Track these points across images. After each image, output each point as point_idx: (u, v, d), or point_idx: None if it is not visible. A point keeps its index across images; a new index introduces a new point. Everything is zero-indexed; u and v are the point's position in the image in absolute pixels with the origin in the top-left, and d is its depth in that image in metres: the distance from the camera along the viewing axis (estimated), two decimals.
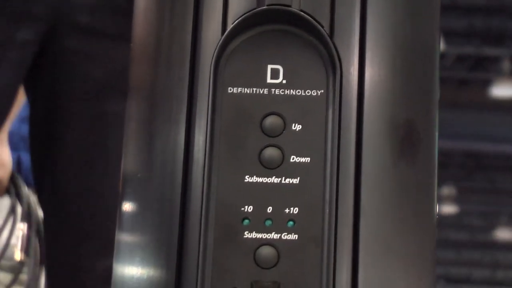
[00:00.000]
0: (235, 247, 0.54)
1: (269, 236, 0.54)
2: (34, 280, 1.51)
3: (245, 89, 0.56)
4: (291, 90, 0.56)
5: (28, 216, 1.51)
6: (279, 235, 0.54)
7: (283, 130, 0.55)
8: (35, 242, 1.50)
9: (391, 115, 0.57)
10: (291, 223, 0.54)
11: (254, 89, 0.56)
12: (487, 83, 9.70)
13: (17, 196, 1.52)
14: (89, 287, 1.12)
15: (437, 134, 0.60)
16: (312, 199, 0.54)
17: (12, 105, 1.15)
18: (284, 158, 0.55)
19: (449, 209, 11.96)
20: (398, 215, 0.56)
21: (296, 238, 0.54)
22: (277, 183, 0.55)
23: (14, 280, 1.53)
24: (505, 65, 9.48)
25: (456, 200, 11.94)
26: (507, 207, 12.23)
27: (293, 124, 0.55)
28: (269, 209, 0.55)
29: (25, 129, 1.62)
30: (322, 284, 0.53)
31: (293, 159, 0.55)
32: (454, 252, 13.25)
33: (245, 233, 0.54)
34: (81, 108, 1.14)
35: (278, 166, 0.55)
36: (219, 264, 0.54)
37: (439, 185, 0.59)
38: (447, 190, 11.62)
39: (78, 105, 1.14)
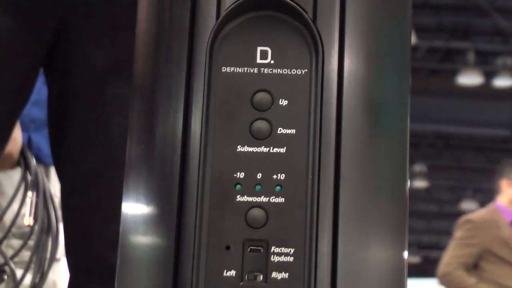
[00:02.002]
0: (229, 209, 0.54)
1: (259, 199, 0.54)
2: (41, 243, 1.50)
3: (237, 68, 0.56)
4: (278, 69, 0.55)
5: (36, 186, 1.50)
6: (267, 198, 0.54)
7: (271, 105, 0.55)
8: (42, 209, 1.50)
9: (368, 93, 0.56)
10: (278, 187, 0.54)
11: (245, 68, 0.56)
12: (454, 72, 9.71)
13: (27, 167, 1.52)
14: (99, 251, 1.11)
15: (409, 110, 0.59)
16: (297, 167, 0.54)
17: (31, 88, 1.15)
18: (272, 130, 0.55)
19: (420, 184, 11.99)
20: (374, 182, 0.56)
21: (283, 201, 0.54)
22: (266, 152, 0.55)
23: (24, 245, 1.52)
24: (470, 57, 9.50)
25: (426, 176, 11.96)
26: (472, 183, 12.27)
27: (280, 100, 0.55)
28: (259, 175, 0.54)
29: (34, 112, 1.61)
30: (306, 241, 0.53)
31: (280, 130, 0.55)
32: (425, 222, 13.30)
33: (237, 196, 0.54)
34: (91, 91, 1.13)
35: (267, 137, 0.55)
36: (214, 225, 0.54)
37: (411, 163, 0.59)
38: (419, 167, 11.64)
39: (89, 88, 1.13)
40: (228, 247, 0.53)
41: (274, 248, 0.53)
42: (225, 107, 0.55)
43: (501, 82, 9.48)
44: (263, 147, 0.55)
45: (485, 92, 9.62)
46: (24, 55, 1.09)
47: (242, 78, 0.55)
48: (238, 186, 0.54)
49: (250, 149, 0.55)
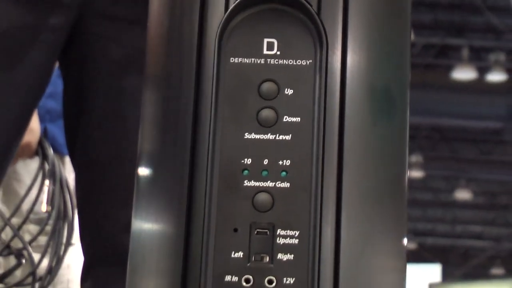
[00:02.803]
0: (237, 194, 0.54)
1: (265, 184, 0.54)
2: (57, 229, 1.50)
3: (245, 59, 0.55)
4: (284, 60, 0.55)
5: (53, 174, 1.51)
6: (274, 183, 0.54)
7: (277, 94, 0.55)
8: (59, 197, 1.50)
9: (370, 82, 0.56)
10: (284, 173, 0.54)
11: (253, 59, 0.55)
12: (449, 68, 9.69)
13: (44, 157, 1.52)
14: (112, 236, 1.11)
15: (408, 100, 0.59)
16: (302, 153, 0.54)
17: (48, 80, 1.14)
18: (278, 118, 0.54)
19: (416, 174, 11.98)
20: (376, 168, 0.55)
21: (289, 186, 0.54)
22: (272, 139, 0.54)
23: (41, 230, 1.52)
24: (465, 53, 9.49)
25: (422, 166, 11.94)
26: (466, 173, 12.24)
27: (286, 89, 0.55)
28: (265, 161, 0.54)
29: (50, 104, 1.61)
30: (310, 224, 0.53)
31: (286, 118, 0.54)
32: (421, 210, 13.28)
33: (245, 181, 0.54)
34: (105, 83, 1.13)
35: (273, 125, 0.54)
36: (222, 208, 0.53)
37: (408, 154, 0.58)
38: (415, 158, 11.63)
39: (103, 80, 1.13)
40: (236, 230, 0.53)
41: (280, 231, 0.53)
42: (233, 96, 0.55)
43: (494, 77, 9.48)
44: (269, 134, 0.54)
45: (478, 86, 9.61)
46: (41, 48, 1.09)
47: (250, 68, 0.55)
48: (246, 171, 0.54)
49: (257, 136, 0.54)
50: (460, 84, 9.62)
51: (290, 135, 0.54)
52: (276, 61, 0.55)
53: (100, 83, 1.13)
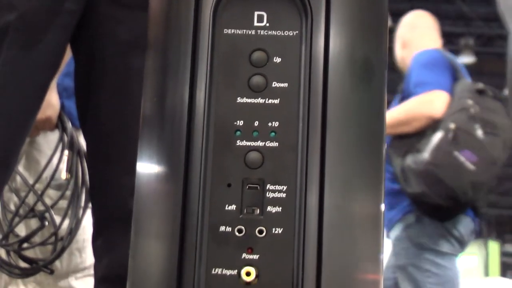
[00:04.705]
0: (230, 152, 0.53)
1: (256, 144, 0.53)
2: (76, 194, 1.50)
3: (237, 30, 0.54)
4: (273, 31, 0.54)
5: (71, 145, 1.50)
6: (263, 143, 0.53)
7: (267, 62, 0.54)
8: (77, 165, 1.50)
9: (351, 51, 0.55)
10: (273, 133, 0.53)
11: (244, 30, 0.54)
12: None
13: (64, 130, 1.51)
14: (119, 199, 1.10)
15: (386, 68, 0.58)
16: (289, 115, 0.53)
17: (61, 59, 1.13)
18: (267, 83, 0.54)
19: None
20: (356, 128, 0.54)
21: (277, 145, 0.53)
22: (262, 103, 0.53)
23: (62, 195, 1.52)
24: None
25: None
26: None
27: (275, 57, 0.54)
28: (256, 123, 0.53)
29: (67, 82, 1.60)
30: (297, 180, 0.52)
31: (274, 84, 0.53)
32: None
33: (237, 141, 0.53)
34: (113, 62, 1.11)
35: (263, 90, 0.53)
36: (217, 166, 0.53)
37: None
38: None
39: (111, 60, 1.11)
40: (229, 185, 0.52)
41: (269, 186, 0.52)
42: (226, 64, 0.54)
43: (464, 59, 9.48)
44: (259, 98, 0.53)
45: None
46: (57, 29, 1.07)
47: (241, 39, 0.54)
48: (238, 132, 0.53)
49: (248, 100, 0.53)
50: None
51: (279, 99, 0.53)
52: (266, 32, 0.54)
53: (108, 62, 1.12)
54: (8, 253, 1.52)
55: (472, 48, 9.42)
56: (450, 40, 9.61)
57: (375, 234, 0.54)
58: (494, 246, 9.34)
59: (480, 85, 2.33)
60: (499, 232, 13.93)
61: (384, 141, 0.56)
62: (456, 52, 9.42)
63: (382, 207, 0.54)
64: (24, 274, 1.52)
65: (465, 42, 9.45)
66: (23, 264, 1.51)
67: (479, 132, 2.21)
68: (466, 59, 9.41)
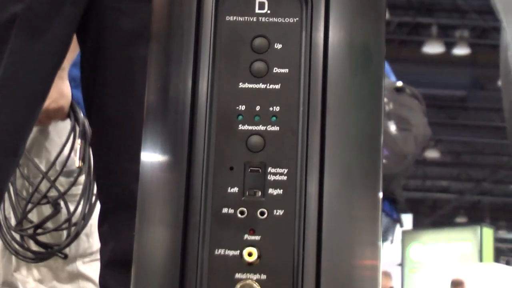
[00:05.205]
0: (232, 136, 0.53)
1: (257, 128, 0.53)
2: (89, 181, 1.50)
3: (239, 17, 0.54)
4: (274, 18, 0.54)
5: (83, 134, 1.50)
6: (265, 127, 0.53)
7: (268, 48, 0.54)
8: (89, 153, 1.50)
9: (351, 38, 0.55)
10: (274, 118, 0.53)
11: (246, 17, 0.54)
12: (420, 43, 9.66)
13: (76, 119, 1.51)
14: (124, 183, 1.10)
15: (384, 56, 0.58)
16: (290, 100, 0.53)
17: (67, 50, 1.12)
18: (268, 69, 0.53)
19: None
20: (355, 113, 0.54)
21: (278, 129, 0.53)
22: (263, 88, 0.53)
23: (74, 182, 1.52)
24: (434, 30, 9.45)
25: None
26: (434, 135, 12.26)
27: (276, 44, 0.53)
28: (258, 108, 0.53)
29: (75, 72, 1.60)
30: (297, 163, 0.52)
31: (275, 70, 0.53)
32: None
33: (239, 125, 0.53)
34: (119, 51, 1.11)
35: (264, 75, 0.53)
36: (220, 149, 0.52)
37: None
38: None
39: (115, 50, 1.11)
40: (231, 168, 0.52)
41: (271, 169, 0.52)
42: (228, 50, 0.53)
43: (459, 51, 9.46)
44: (261, 84, 0.53)
45: (445, 59, 9.60)
46: (62, 20, 1.07)
47: (243, 26, 0.54)
48: (240, 117, 0.53)
49: (250, 85, 0.53)
50: (429, 57, 9.60)
51: (280, 84, 0.53)
52: (267, 19, 0.54)
53: (113, 51, 1.11)
54: (22, 238, 1.52)
55: (467, 40, 9.40)
56: (445, 32, 9.58)
57: (373, 217, 0.54)
58: (488, 233, 9.34)
59: (399, 83, 2.40)
60: (493, 219, 13.95)
61: (381, 126, 0.56)
62: (451, 44, 9.40)
63: (381, 187, 0.53)
64: (38, 258, 1.52)
65: (460, 34, 9.43)
66: (36, 249, 1.52)
67: (393, 128, 2.26)
68: (461, 51, 9.39)
